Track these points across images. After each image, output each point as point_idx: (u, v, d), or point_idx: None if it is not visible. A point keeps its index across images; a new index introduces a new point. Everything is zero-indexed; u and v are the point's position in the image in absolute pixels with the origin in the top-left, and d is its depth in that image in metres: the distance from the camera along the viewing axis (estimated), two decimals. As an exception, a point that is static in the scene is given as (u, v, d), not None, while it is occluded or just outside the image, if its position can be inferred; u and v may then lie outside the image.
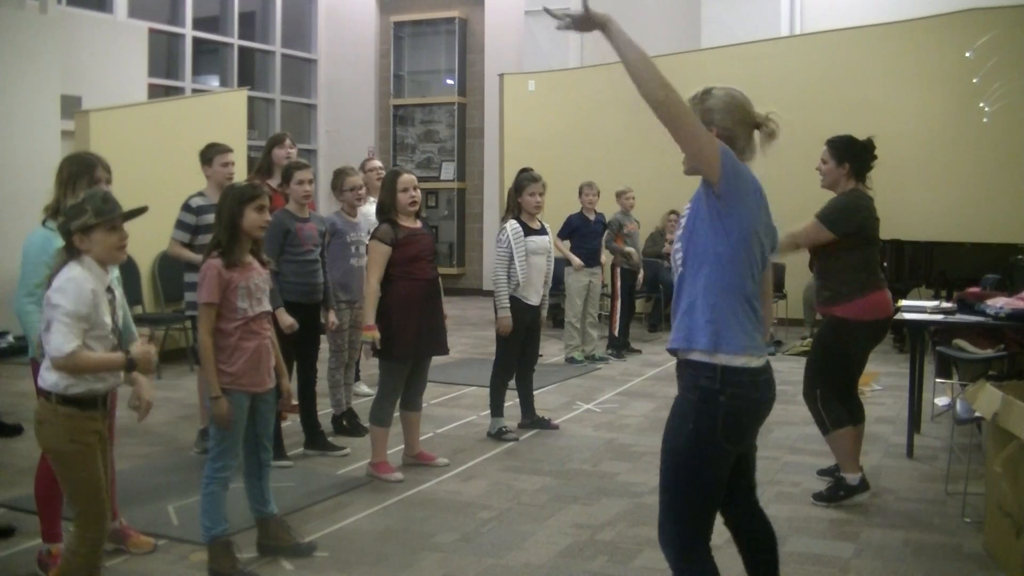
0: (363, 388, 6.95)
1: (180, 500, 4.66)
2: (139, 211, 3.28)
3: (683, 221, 2.74)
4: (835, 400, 4.63)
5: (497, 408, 5.97)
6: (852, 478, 4.64)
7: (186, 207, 5.63)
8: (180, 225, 5.62)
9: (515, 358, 6.00)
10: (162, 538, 4.13)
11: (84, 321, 3.03)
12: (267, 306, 3.91)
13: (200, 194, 5.67)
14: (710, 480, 2.67)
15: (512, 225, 5.94)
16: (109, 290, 3.20)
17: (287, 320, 5.10)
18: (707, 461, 2.64)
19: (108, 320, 3.15)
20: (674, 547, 2.72)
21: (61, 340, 2.99)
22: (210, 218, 5.58)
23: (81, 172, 3.81)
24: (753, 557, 2.93)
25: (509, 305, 5.84)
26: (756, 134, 2.75)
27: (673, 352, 2.73)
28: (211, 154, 5.67)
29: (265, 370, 3.88)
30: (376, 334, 4.93)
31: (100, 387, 3.15)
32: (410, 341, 4.99)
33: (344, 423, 6.00)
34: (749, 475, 2.90)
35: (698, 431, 2.62)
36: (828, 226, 4.54)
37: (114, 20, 11.35)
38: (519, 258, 5.87)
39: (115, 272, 3.37)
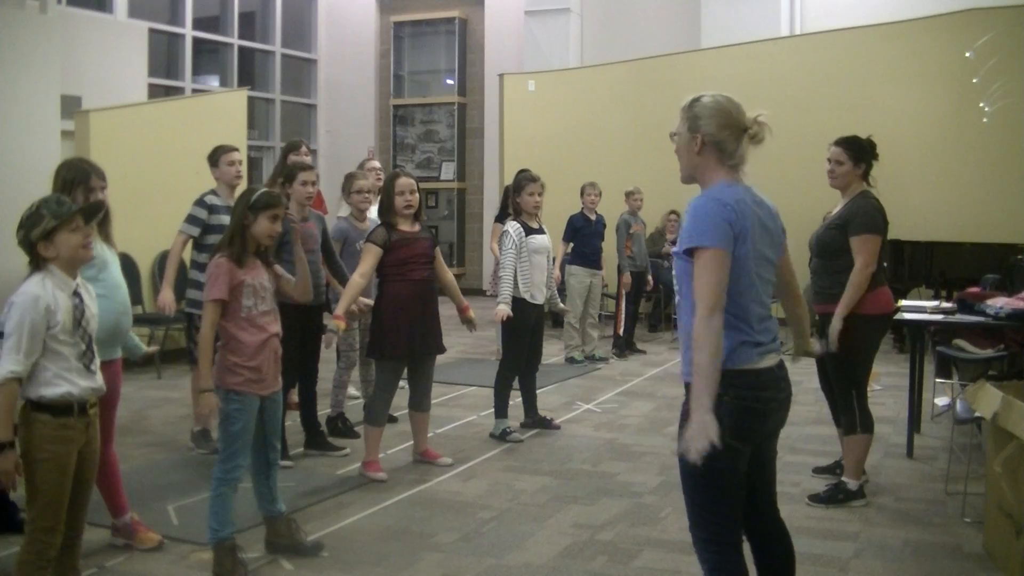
0: (352, 391, 6.78)
1: (180, 500, 4.66)
2: (97, 207, 3.27)
3: (676, 262, 2.76)
4: (866, 401, 4.66)
5: (501, 409, 5.97)
6: (853, 484, 4.70)
7: (200, 203, 5.58)
8: (192, 219, 5.54)
9: (523, 358, 6.03)
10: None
11: (33, 338, 2.94)
12: (272, 305, 3.92)
13: (214, 193, 5.66)
14: (725, 476, 2.71)
15: (514, 226, 5.98)
16: (76, 294, 3.09)
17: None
18: (718, 458, 2.65)
19: (71, 324, 3.04)
20: (703, 542, 2.80)
21: (6, 357, 2.91)
22: (223, 219, 5.61)
23: (78, 180, 3.77)
24: (769, 569, 2.94)
25: (511, 299, 5.84)
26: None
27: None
28: (217, 155, 5.69)
29: (272, 370, 3.88)
30: (342, 324, 4.92)
31: (74, 392, 3.05)
32: (401, 340, 5.04)
33: (339, 424, 6.00)
34: (770, 485, 2.94)
35: None
36: (874, 232, 4.56)
37: (114, 20, 11.35)
38: (522, 258, 5.92)
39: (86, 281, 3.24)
